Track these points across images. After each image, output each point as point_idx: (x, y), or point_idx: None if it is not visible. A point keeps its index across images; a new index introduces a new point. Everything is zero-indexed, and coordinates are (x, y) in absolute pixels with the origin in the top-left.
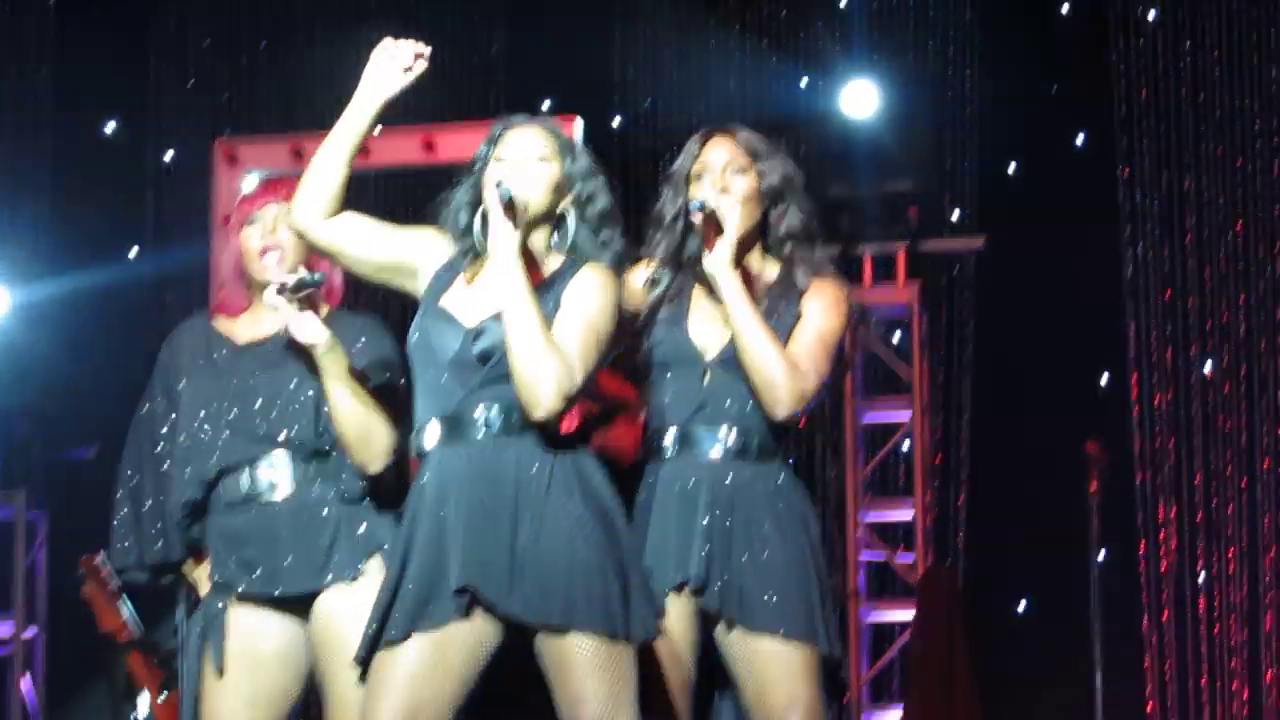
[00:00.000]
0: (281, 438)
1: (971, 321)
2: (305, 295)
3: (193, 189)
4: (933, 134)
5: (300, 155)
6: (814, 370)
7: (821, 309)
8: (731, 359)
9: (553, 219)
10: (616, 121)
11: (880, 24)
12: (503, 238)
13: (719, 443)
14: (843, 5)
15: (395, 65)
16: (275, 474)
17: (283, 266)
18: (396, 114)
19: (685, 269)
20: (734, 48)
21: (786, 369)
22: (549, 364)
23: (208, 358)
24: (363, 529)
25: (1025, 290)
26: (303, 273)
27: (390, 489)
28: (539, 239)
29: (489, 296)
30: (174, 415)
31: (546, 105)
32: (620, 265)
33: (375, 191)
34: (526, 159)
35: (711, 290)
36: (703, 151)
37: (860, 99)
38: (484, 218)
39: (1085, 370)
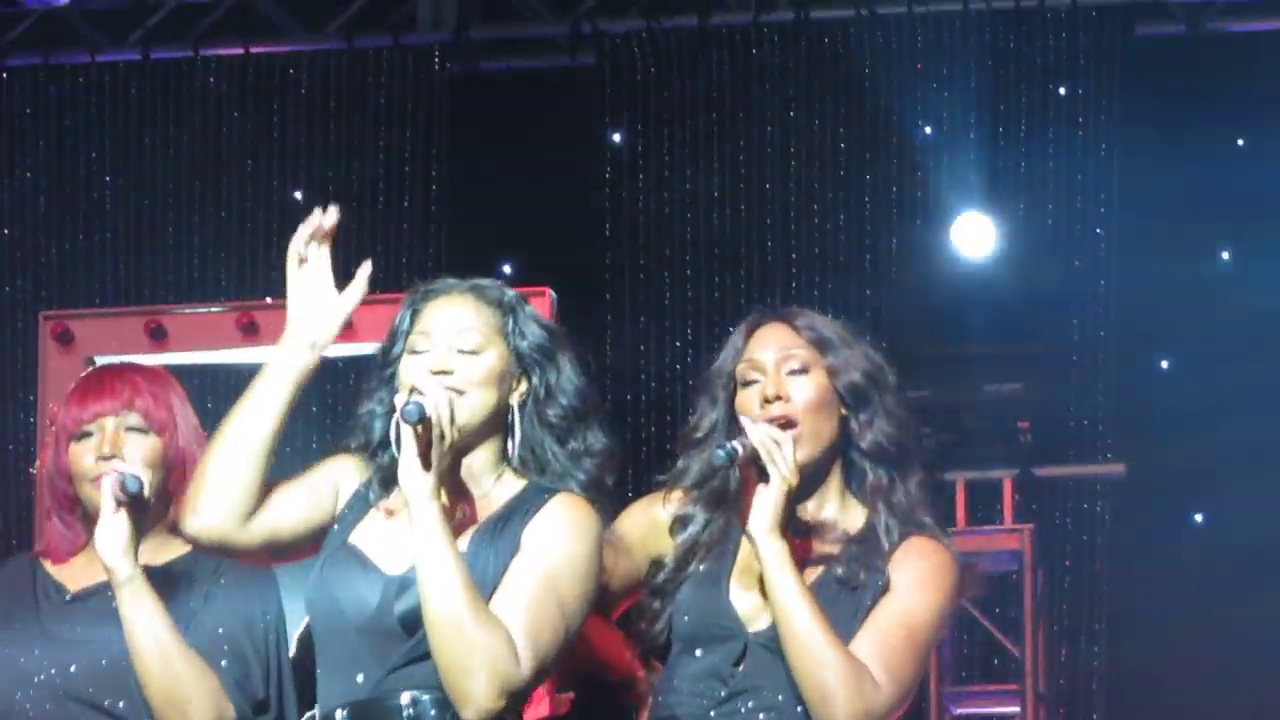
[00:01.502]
0: (112, 709)
1: (1106, 581)
2: (127, 502)
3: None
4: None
5: (161, 334)
6: (891, 681)
7: (916, 583)
8: (775, 634)
9: (500, 424)
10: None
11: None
12: (412, 473)
13: None
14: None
15: (320, 294)
16: None
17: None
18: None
19: (729, 505)
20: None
21: (850, 678)
22: (480, 647)
23: (31, 608)
24: None
25: (1182, 534)
26: (121, 469)
27: None
28: (483, 456)
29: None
30: None
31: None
32: (599, 488)
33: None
34: (449, 348)
35: None
36: (749, 346)
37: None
38: (397, 433)
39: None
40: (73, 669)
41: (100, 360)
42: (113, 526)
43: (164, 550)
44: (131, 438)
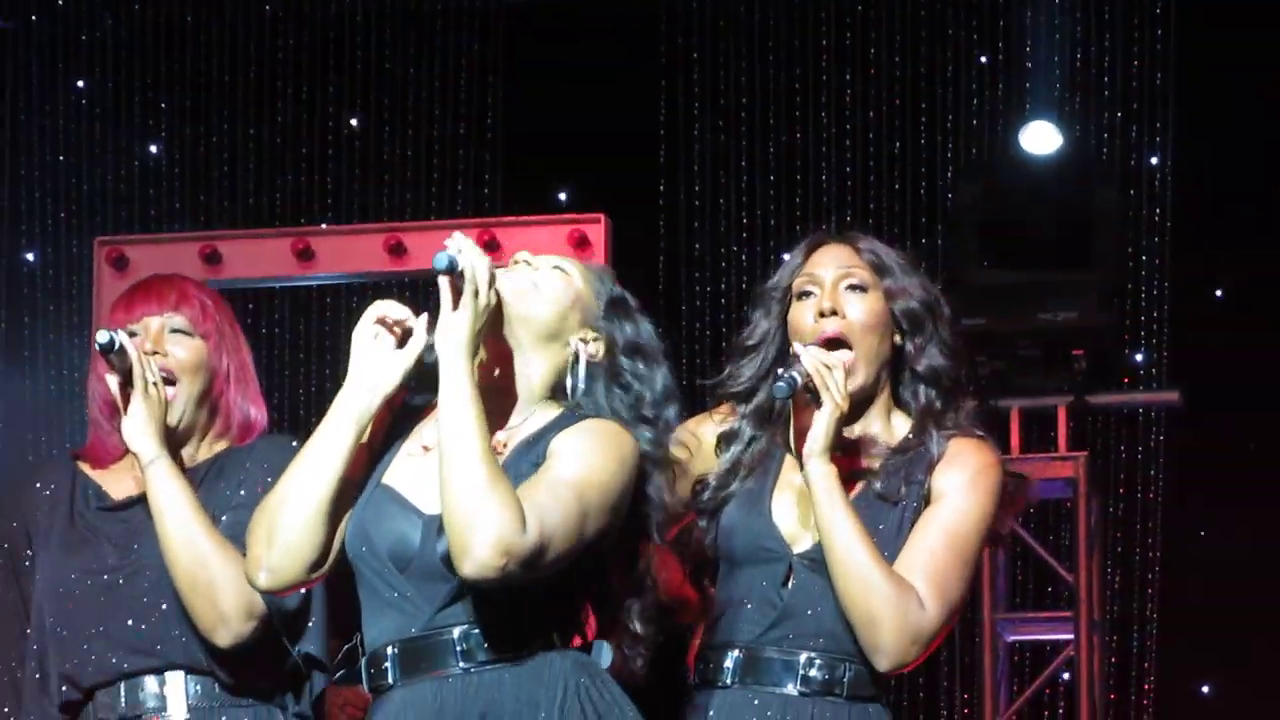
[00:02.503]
0: (144, 619)
1: (1159, 508)
2: (124, 368)
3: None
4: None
5: (216, 259)
6: (939, 601)
7: (960, 490)
8: (820, 556)
9: (553, 351)
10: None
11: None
12: (445, 326)
13: (795, 674)
14: None
15: (384, 348)
16: (164, 690)
17: (175, 401)
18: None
19: (775, 423)
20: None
21: (896, 602)
22: (489, 505)
23: (69, 520)
24: None
25: (1237, 463)
26: (108, 334)
27: None
28: (535, 369)
29: None
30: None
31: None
32: (658, 443)
33: (320, 310)
34: (534, 260)
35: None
36: (808, 261)
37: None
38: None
39: None
40: (106, 577)
41: None
42: (135, 411)
43: (207, 452)
44: (176, 339)
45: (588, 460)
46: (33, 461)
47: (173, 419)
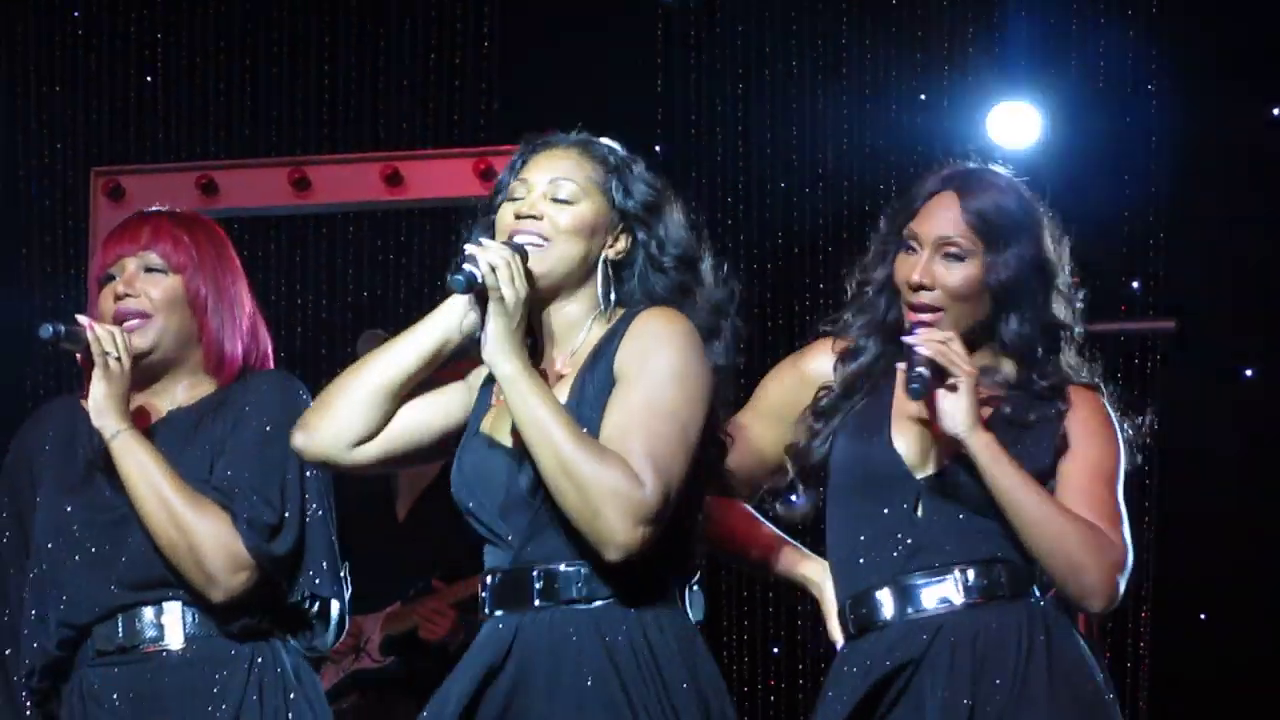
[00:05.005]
0: (168, 574)
1: (1155, 435)
2: (81, 347)
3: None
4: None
5: (212, 189)
6: (1119, 533)
7: (1092, 437)
8: (956, 479)
9: (590, 276)
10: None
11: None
12: (488, 345)
13: (956, 588)
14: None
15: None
16: (161, 619)
17: (147, 334)
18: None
19: (890, 348)
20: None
21: (1091, 543)
22: (599, 485)
23: (72, 459)
24: (281, 702)
25: (1233, 390)
26: (50, 327)
27: None
28: (575, 307)
29: None
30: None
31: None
32: (704, 313)
33: (317, 238)
34: (544, 196)
35: None
36: (921, 213)
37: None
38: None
39: None
40: (103, 514)
41: None
42: (94, 388)
43: (196, 390)
44: (151, 278)
45: (659, 365)
46: (29, 390)
47: (145, 344)
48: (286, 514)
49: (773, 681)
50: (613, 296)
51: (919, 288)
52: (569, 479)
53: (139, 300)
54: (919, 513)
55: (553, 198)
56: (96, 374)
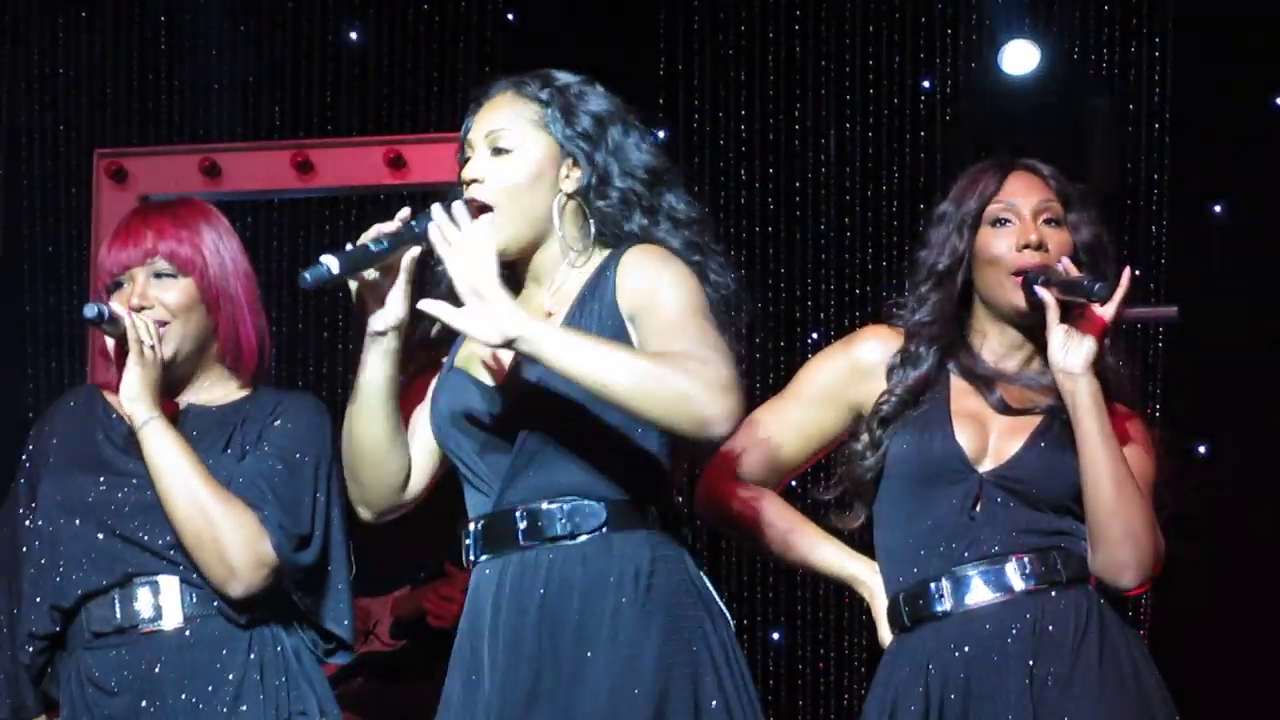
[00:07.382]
0: (152, 545)
1: (1158, 419)
2: (118, 334)
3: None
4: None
5: (215, 172)
6: (1158, 529)
7: (1139, 447)
8: (1015, 474)
9: (553, 215)
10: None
11: None
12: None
13: (1017, 575)
14: None
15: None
16: (159, 599)
17: (169, 338)
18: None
19: (953, 347)
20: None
21: (1151, 525)
22: (683, 375)
23: (90, 438)
24: (281, 681)
25: (1237, 375)
26: (96, 307)
27: None
28: (548, 252)
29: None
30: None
31: None
32: (686, 246)
33: (320, 223)
34: (487, 153)
35: (974, 380)
36: (1004, 188)
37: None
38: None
39: None
40: (120, 502)
41: (155, 199)
42: (127, 374)
43: (220, 389)
44: (162, 284)
45: (671, 283)
46: (30, 374)
47: (168, 352)
48: (315, 531)
49: (772, 668)
50: (592, 228)
51: (1033, 247)
52: (640, 379)
53: (155, 310)
54: (978, 506)
55: (493, 149)
56: (131, 360)
